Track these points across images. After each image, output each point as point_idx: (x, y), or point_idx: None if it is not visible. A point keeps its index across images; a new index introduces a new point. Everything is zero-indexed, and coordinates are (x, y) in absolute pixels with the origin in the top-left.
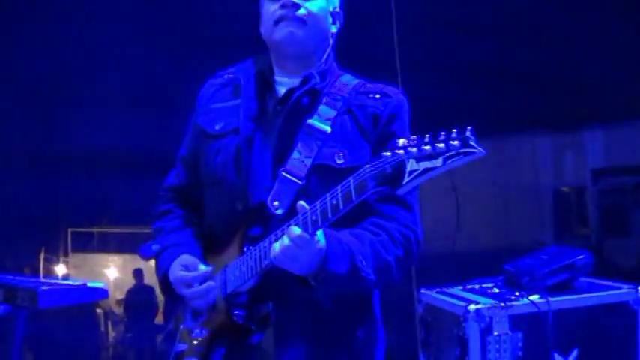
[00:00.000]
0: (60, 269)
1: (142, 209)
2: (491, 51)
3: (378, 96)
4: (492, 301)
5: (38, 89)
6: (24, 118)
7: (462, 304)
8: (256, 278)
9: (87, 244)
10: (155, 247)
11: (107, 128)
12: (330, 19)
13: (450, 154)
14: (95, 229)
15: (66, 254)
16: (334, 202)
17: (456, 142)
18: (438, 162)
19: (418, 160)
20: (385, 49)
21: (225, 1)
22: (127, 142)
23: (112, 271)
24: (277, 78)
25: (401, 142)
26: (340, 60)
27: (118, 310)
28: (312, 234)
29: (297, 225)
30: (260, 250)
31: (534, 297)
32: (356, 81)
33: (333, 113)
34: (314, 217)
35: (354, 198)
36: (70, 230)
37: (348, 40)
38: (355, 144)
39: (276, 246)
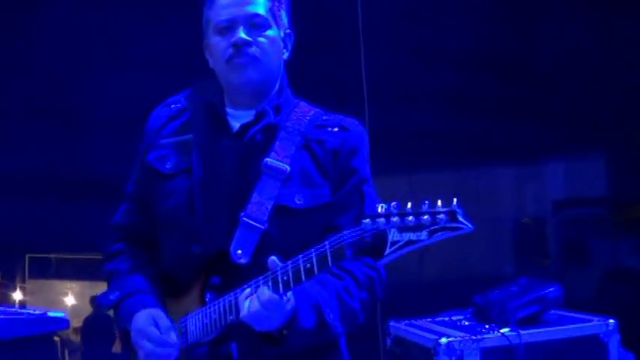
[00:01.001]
0: (17, 296)
1: (101, 235)
2: (457, 80)
3: (336, 129)
4: (463, 334)
5: None
6: None
7: (433, 336)
8: (220, 331)
9: (45, 271)
10: (113, 295)
11: (66, 153)
12: (282, 45)
13: (436, 227)
14: (53, 255)
15: (23, 280)
16: (308, 265)
17: (442, 216)
18: (423, 235)
19: (400, 230)
20: (352, 77)
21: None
22: (87, 167)
23: (70, 299)
24: (229, 110)
25: (380, 207)
26: (307, 87)
27: (75, 338)
28: (283, 295)
29: (266, 283)
30: (225, 304)
31: (505, 330)
32: (312, 112)
33: (291, 150)
34: (285, 278)
35: (330, 263)
36: (27, 256)
37: (315, 67)
38: (314, 182)
39: (245, 306)
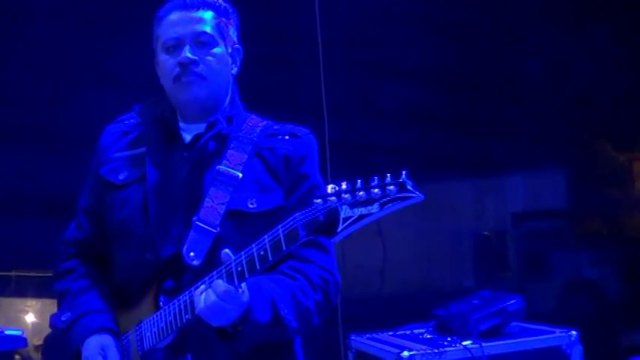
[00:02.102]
0: None
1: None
2: (416, 96)
3: (287, 137)
4: (425, 347)
5: None
6: None
7: (395, 350)
8: (176, 333)
9: (4, 289)
10: (65, 317)
11: (23, 169)
12: (230, 61)
13: (387, 199)
14: (13, 273)
15: None
16: (261, 252)
17: (392, 187)
18: (374, 208)
19: (352, 206)
20: (312, 93)
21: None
22: (48, 184)
23: (30, 316)
24: (181, 124)
25: (330, 188)
26: (267, 103)
27: (36, 356)
28: (238, 286)
29: (221, 276)
30: (180, 304)
31: (467, 342)
32: (264, 122)
33: (243, 157)
34: (239, 269)
35: (284, 247)
36: None
37: (275, 84)
38: (266, 187)
39: (202, 300)
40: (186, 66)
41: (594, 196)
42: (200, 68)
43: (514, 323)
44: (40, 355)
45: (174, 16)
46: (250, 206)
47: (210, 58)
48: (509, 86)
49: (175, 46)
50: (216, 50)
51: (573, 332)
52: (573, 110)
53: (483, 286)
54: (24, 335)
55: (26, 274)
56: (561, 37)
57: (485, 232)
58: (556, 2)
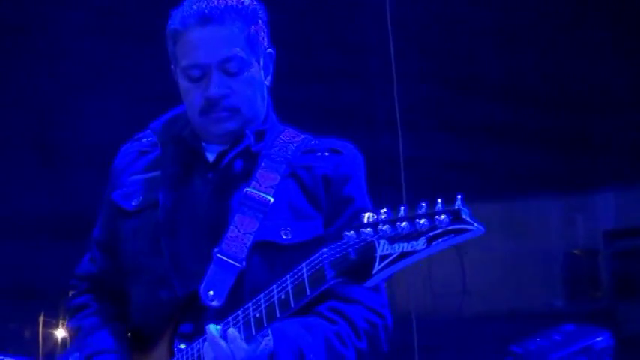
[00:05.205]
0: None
1: None
2: (496, 110)
3: (327, 154)
4: None
5: None
6: None
7: None
8: None
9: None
10: (73, 358)
11: None
12: (263, 75)
13: (436, 232)
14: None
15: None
16: (282, 295)
17: (443, 217)
18: (420, 244)
19: (392, 240)
20: (386, 107)
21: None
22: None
23: None
24: (204, 144)
25: (367, 216)
26: (338, 117)
27: None
28: (257, 336)
29: (237, 323)
30: (194, 353)
31: None
32: (300, 137)
33: (275, 179)
34: (257, 315)
35: (308, 292)
36: None
37: (347, 97)
38: (303, 214)
39: (211, 354)
40: (214, 102)
41: None
42: (231, 100)
43: None
44: None
45: (195, 34)
46: (284, 237)
47: (241, 85)
48: (597, 99)
49: (199, 75)
50: (248, 73)
51: None
52: None
53: (572, 308)
54: None
55: None
56: None
57: (576, 251)
58: None
